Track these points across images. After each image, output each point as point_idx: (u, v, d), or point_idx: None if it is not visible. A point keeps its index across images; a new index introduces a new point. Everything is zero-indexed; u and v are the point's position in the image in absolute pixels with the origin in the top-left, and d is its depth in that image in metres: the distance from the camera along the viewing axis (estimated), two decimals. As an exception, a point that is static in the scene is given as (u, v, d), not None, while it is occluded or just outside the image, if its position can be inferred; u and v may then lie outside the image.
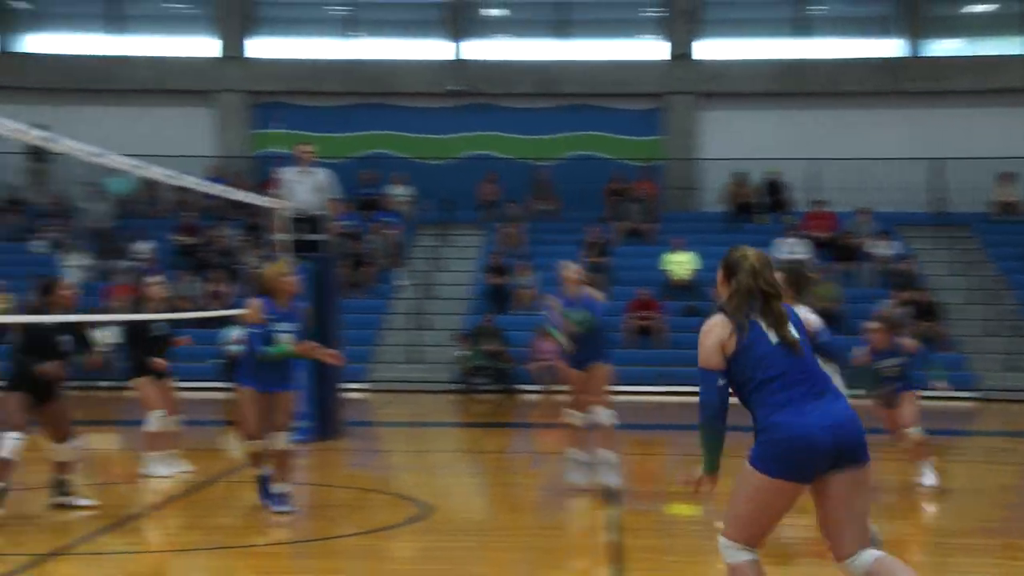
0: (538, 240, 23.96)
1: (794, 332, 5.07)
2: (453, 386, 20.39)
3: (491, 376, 20.30)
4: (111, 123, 24.70)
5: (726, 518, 4.96)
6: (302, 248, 13.45)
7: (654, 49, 26.55)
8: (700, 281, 22.19)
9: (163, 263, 22.30)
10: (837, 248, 22.99)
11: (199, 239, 23.02)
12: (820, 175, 24.87)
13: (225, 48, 26.25)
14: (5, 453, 8.79)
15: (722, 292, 5.30)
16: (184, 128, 25.75)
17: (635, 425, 16.49)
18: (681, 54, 26.08)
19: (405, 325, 21.54)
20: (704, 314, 21.00)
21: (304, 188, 13.65)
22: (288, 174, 13.76)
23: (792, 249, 22.48)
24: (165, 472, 10.69)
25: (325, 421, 13.24)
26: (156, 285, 10.96)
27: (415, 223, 24.82)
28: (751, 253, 5.34)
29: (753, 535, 4.95)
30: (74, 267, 22.19)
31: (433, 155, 25.90)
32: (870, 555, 4.93)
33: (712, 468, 5.07)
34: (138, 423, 11.15)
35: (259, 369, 8.95)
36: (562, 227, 24.62)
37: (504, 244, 23.47)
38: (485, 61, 26.41)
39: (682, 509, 9.93)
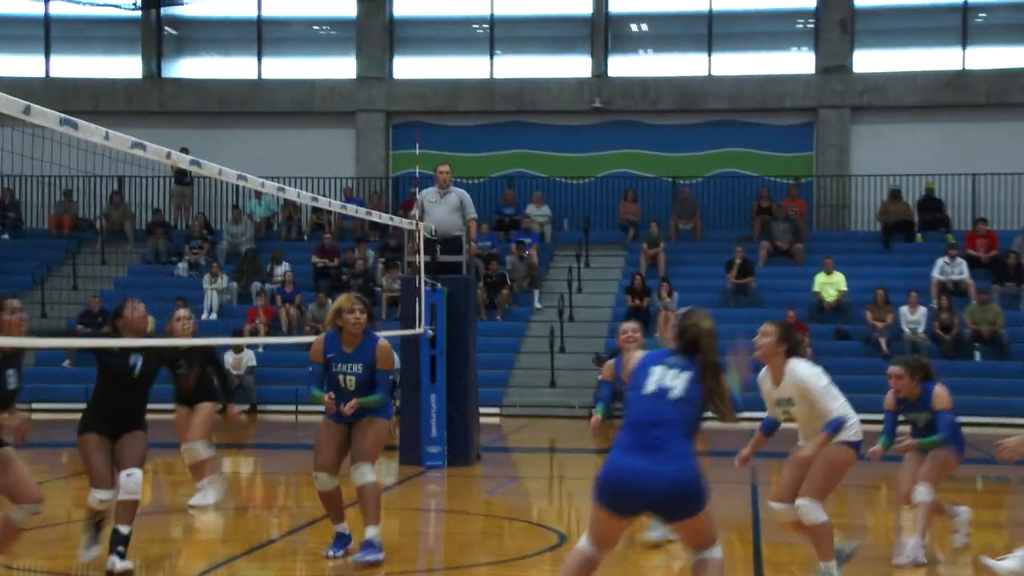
0: (681, 260, 23.78)
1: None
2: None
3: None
4: (254, 146, 25.39)
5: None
6: (439, 269, 13.58)
7: (804, 62, 26.16)
8: (851, 304, 21.73)
9: (300, 285, 22.80)
10: (998, 269, 22.26)
11: (337, 261, 23.46)
12: (981, 192, 24.15)
13: (366, 69, 26.75)
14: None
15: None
16: (325, 149, 26.31)
17: (774, 453, 16.21)
18: (833, 66, 25.62)
19: (542, 348, 21.56)
20: (854, 338, 20.63)
21: (442, 208, 13.79)
22: (426, 194, 13.92)
23: (949, 270, 21.89)
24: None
25: (460, 446, 13.32)
26: (183, 319, 10.44)
27: (554, 243, 24.88)
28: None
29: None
30: (215, 290, 22.84)
31: (573, 174, 25.93)
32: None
33: None
34: (274, 447, 11.37)
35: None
36: (706, 247, 24.41)
37: (645, 264, 23.35)
38: (627, 77, 26.37)
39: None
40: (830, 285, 21.95)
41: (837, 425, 7.38)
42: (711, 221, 25.02)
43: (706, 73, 26.21)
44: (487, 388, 17.50)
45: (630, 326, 9.34)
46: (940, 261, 22.00)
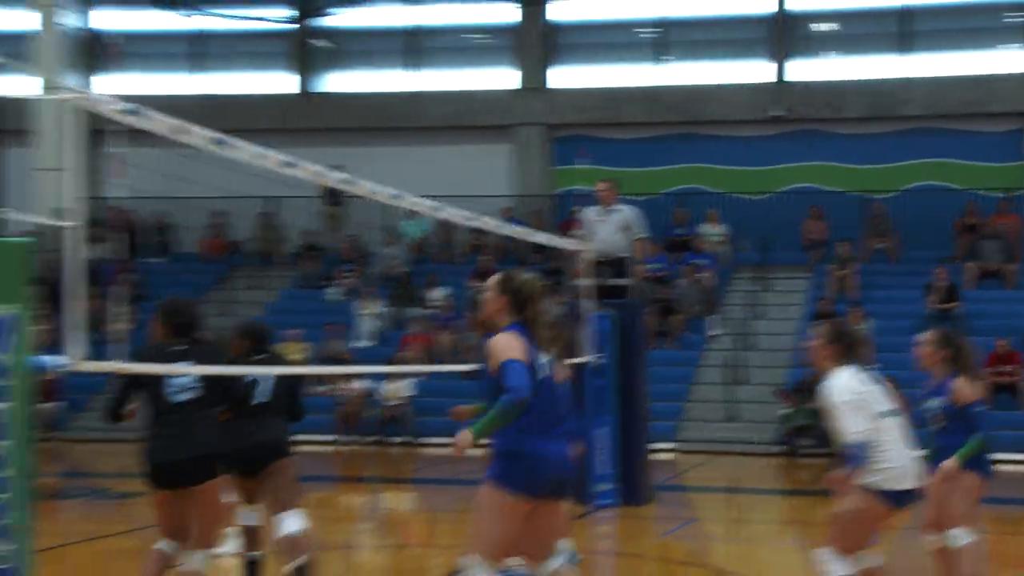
0: (873, 283, 23.33)
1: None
2: (774, 448, 20.08)
3: (818, 437, 19.84)
4: (406, 162, 25.85)
5: None
6: (606, 294, 13.62)
7: (1014, 60, 25.45)
8: (1071, 330, 21.02)
9: (458, 310, 23.10)
10: None
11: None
12: None
13: (524, 80, 27.03)
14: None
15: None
16: (482, 165, 26.64)
17: (995, 499, 15.73)
18: (1048, 65, 24.91)
19: (719, 379, 21.39)
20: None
21: (608, 228, 13.84)
22: (590, 213, 13.99)
23: None
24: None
25: (631, 484, 13.30)
26: None
27: (731, 265, 24.68)
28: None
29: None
30: (368, 315, 23.31)
31: (751, 189, 25.70)
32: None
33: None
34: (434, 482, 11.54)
35: None
36: (901, 268, 23.89)
37: (833, 288, 22.97)
38: (810, 82, 26.06)
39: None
40: (1045, 310, 21.29)
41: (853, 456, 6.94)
42: (908, 240, 24.47)
43: (901, 76, 25.72)
44: (659, 421, 17.43)
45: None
46: None
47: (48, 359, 5.81)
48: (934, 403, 7.92)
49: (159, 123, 6.46)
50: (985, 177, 24.96)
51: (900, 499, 7.08)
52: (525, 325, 6.31)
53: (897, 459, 7.06)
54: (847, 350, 7.29)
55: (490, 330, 6.39)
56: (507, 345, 6.17)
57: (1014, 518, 14.26)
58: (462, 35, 28.26)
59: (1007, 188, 24.64)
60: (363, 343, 22.72)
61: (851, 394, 7.07)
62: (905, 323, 22.39)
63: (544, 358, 6.32)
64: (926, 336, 7.56)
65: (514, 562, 7.26)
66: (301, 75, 27.96)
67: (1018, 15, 25.64)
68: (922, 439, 7.79)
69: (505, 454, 6.26)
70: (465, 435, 6.08)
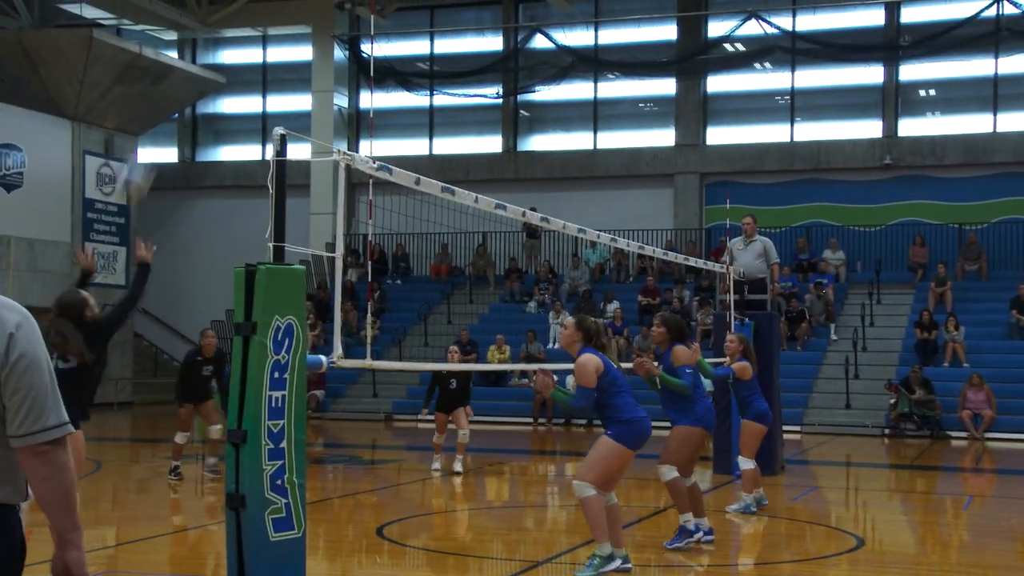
0: (966, 298, 22.30)
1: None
2: (883, 431, 19.34)
3: (919, 422, 19.07)
4: (589, 204, 25.86)
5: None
6: (747, 306, 13.36)
7: (1085, 117, 24.06)
8: None
9: (628, 320, 22.96)
10: None
11: (658, 299, 23.48)
12: None
13: (683, 137, 26.75)
14: None
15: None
16: (648, 206, 26.44)
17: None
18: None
19: (838, 375, 20.73)
20: None
21: (748, 254, 13.57)
22: (735, 243, 13.74)
23: None
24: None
25: (767, 458, 12.94)
26: (209, 337, 12.34)
27: (848, 284, 23.92)
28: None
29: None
30: (558, 323, 23.35)
31: (865, 223, 24.87)
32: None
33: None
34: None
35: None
36: (991, 286, 22.78)
37: (933, 302, 22.03)
38: (915, 136, 25.09)
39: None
40: (1115, 320, 19.96)
41: None
42: (996, 262, 23.32)
43: (991, 130, 24.54)
44: (789, 409, 17.01)
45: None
46: None
47: (317, 357, 6.00)
48: None
49: (401, 176, 6.64)
50: (1061, 211, 23.60)
51: None
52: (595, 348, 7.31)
53: None
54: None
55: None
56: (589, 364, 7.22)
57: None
58: (634, 104, 28.14)
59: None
60: (554, 346, 22.79)
61: None
62: (993, 330, 21.41)
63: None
64: None
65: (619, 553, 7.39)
66: (509, 137, 28.25)
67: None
68: None
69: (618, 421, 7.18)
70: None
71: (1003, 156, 24.20)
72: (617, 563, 7.28)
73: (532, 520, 10.56)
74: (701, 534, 8.49)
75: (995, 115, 24.59)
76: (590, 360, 7.15)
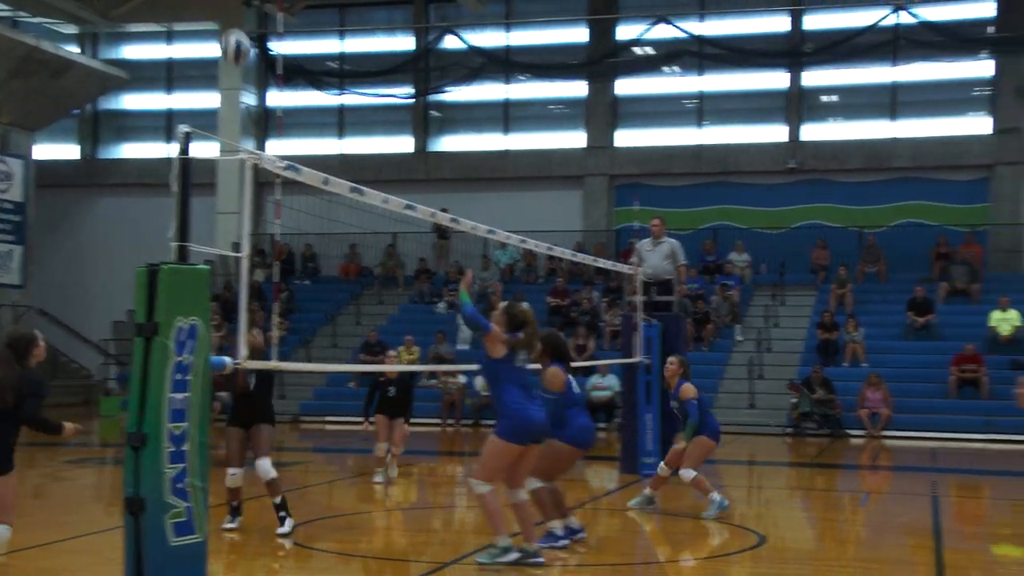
0: (866, 300, 22.96)
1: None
2: (785, 430, 19.82)
3: (820, 421, 19.59)
4: (500, 206, 25.94)
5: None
6: (654, 307, 13.56)
7: (981, 124, 24.96)
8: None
9: (538, 322, 23.06)
10: None
11: (567, 301, 23.69)
12: None
13: (593, 139, 27.02)
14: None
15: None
16: (558, 208, 26.63)
17: (959, 469, 15.42)
18: (1009, 128, 24.35)
19: (742, 375, 21.17)
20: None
21: (656, 256, 13.77)
22: (643, 244, 13.94)
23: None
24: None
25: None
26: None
27: (752, 285, 24.43)
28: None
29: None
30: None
31: (769, 225, 25.44)
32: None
33: None
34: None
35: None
36: (888, 287, 23.50)
37: (834, 303, 22.64)
38: (819, 141, 25.76)
39: (1007, 550, 9.16)
40: (1005, 321, 20.78)
41: None
42: (894, 265, 24.06)
43: (890, 136, 25.33)
44: (695, 409, 17.26)
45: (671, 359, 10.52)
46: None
47: (221, 358, 5.94)
48: None
49: (310, 176, 6.62)
50: (955, 216, 24.44)
51: None
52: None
53: None
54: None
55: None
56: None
57: (976, 485, 13.96)
58: (544, 106, 28.33)
59: (972, 224, 24.15)
60: (462, 347, 22.83)
61: None
62: (891, 331, 22.09)
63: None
64: None
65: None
66: (419, 138, 28.21)
67: (983, 89, 25.14)
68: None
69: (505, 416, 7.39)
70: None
71: (902, 161, 24.98)
72: (514, 555, 7.42)
73: (440, 521, 10.59)
74: (572, 536, 8.47)
75: (894, 121, 25.37)
76: (501, 335, 7.40)
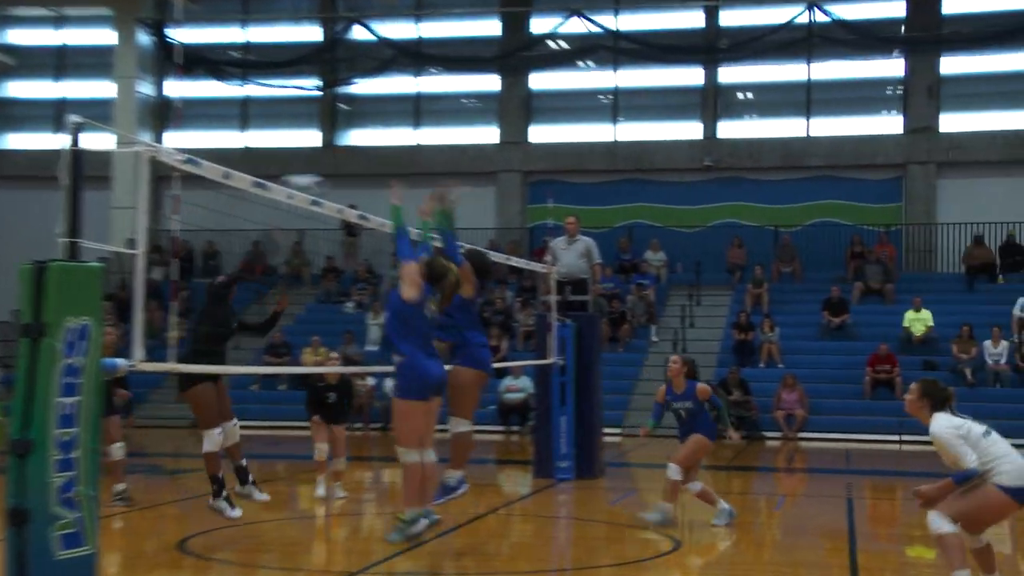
0: (781, 299, 23.42)
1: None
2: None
3: (736, 423, 19.89)
4: (411, 202, 25.77)
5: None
6: (568, 307, 13.63)
7: (894, 124, 25.66)
8: (937, 338, 21.13)
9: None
10: (1076, 307, 21.36)
11: (480, 299, 23.65)
12: (1057, 237, 23.29)
13: (507, 135, 27.08)
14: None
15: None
16: (471, 205, 26.58)
17: (874, 471, 15.80)
18: (921, 127, 25.07)
19: (658, 376, 21.33)
20: (941, 369, 20.02)
21: (571, 254, 13.84)
22: (557, 243, 13.99)
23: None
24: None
25: (586, 461, 13.30)
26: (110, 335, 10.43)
27: (668, 285, 24.74)
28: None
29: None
30: (376, 325, 23.26)
31: (685, 224, 25.80)
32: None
33: None
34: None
35: None
36: (804, 287, 23.99)
37: (750, 303, 23.04)
38: (734, 139, 26.19)
39: (920, 552, 9.41)
40: (918, 321, 21.38)
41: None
42: (809, 264, 24.59)
43: (805, 134, 25.87)
44: (610, 411, 17.43)
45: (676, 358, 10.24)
46: (1021, 299, 21.23)
47: (113, 360, 5.80)
48: None
49: (210, 170, 6.50)
50: (870, 215, 25.09)
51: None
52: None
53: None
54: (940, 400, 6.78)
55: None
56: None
57: (889, 486, 14.32)
58: (456, 100, 28.30)
59: (886, 224, 24.82)
60: (372, 347, 22.69)
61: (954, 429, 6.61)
62: (806, 331, 22.56)
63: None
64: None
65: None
66: (327, 131, 27.94)
67: (897, 88, 25.84)
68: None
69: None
70: None
71: (817, 160, 25.54)
72: (424, 523, 7.48)
73: (348, 529, 10.48)
74: (462, 488, 8.49)
75: (808, 120, 25.92)
76: (418, 276, 7.42)
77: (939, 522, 6.51)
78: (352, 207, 9.10)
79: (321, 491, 11.44)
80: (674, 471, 9.90)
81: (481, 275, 8.46)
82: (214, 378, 9.04)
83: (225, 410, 9.18)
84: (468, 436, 8.37)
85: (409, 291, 7.34)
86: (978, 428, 6.69)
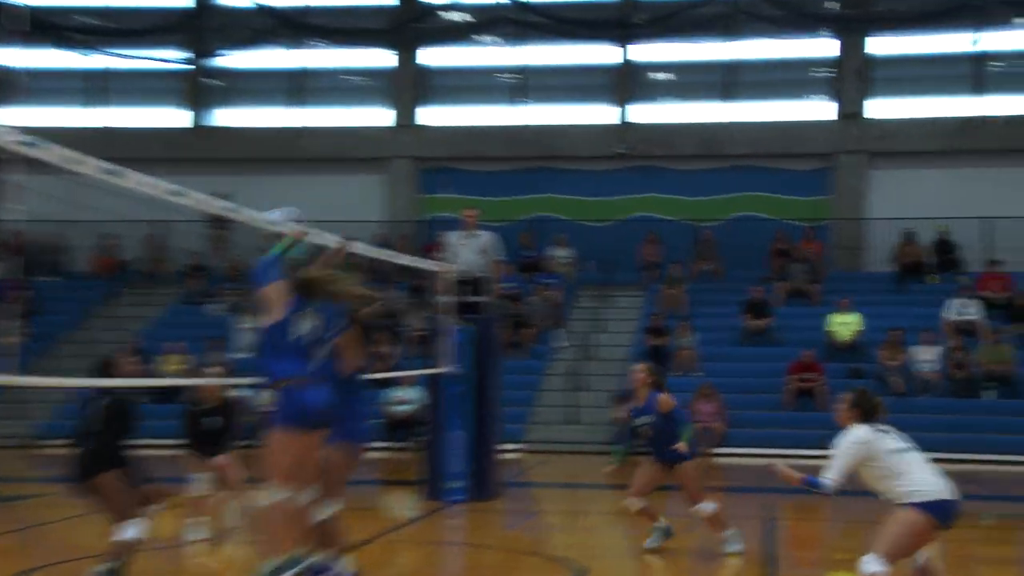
0: (699, 301, 23.77)
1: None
2: (609, 448, 20.31)
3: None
4: (289, 190, 25.54)
5: None
6: (465, 309, 13.65)
7: (822, 109, 26.26)
8: (865, 343, 21.70)
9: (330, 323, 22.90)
10: (1011, 310, 22.15)
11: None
12: (994, 234, 24.09)
13: (397, 117, 27.02)
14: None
15: None
16: (359, 194, 26.50)
17: (794, 490, 16.15)
18: (851, 113, 25.72)
19: (563, 386, 21.59)
20: (868, 377, 20.48)
21: (468, 251, 13.87)
22: (453, 237, 14.02)
23: (962, 310, 21.82)
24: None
25: (481, 481, 13.35)
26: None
27: (576, 284, 24.94)
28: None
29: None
30: (248, 329, 22.99)
31: (595, 217, 26.03)
32: None
33: None
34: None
35: None
36: (724, 287, 24.37)
37: (665, 305, 23.37)
38: (649, 124, 26.52)
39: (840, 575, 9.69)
40: (845, 325, 21.91)
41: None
42: (730, 262, 25.00)
43: (726, 120, 26.33)
44: (510, 424, 17.50)
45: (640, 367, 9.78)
46: (953, 302, 21.93)
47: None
48: None
49: (55, 153, 6.38)
50: (795, 209, 25.62)
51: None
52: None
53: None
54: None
55: None
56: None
57: (812, 506, 14.67)
58: (342, 77, 28.14)
59: (812, 219, 25.37)
60: (242, 355, 22.41)
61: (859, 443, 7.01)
62: (725, 335, 22.95)
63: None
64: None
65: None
66: (193, 110, 27.54)
67: (826, 71, 26.43)
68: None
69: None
70: None
71: (739, 148, 26.00)
72: (296, 569, 7.26)
73: (212, 559, 10.37)
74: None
75: (730, 104, 26.38)
76: (282, 290, 7.27)
77: (871, 565, 6.80)
78: (223, 196, 9.01)
79: (198, 533, 10.67)
80: (633, 503, 10.00)
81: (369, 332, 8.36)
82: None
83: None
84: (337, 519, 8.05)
85: (272, 315, 7.21)
86: (891, 443, 6.98)
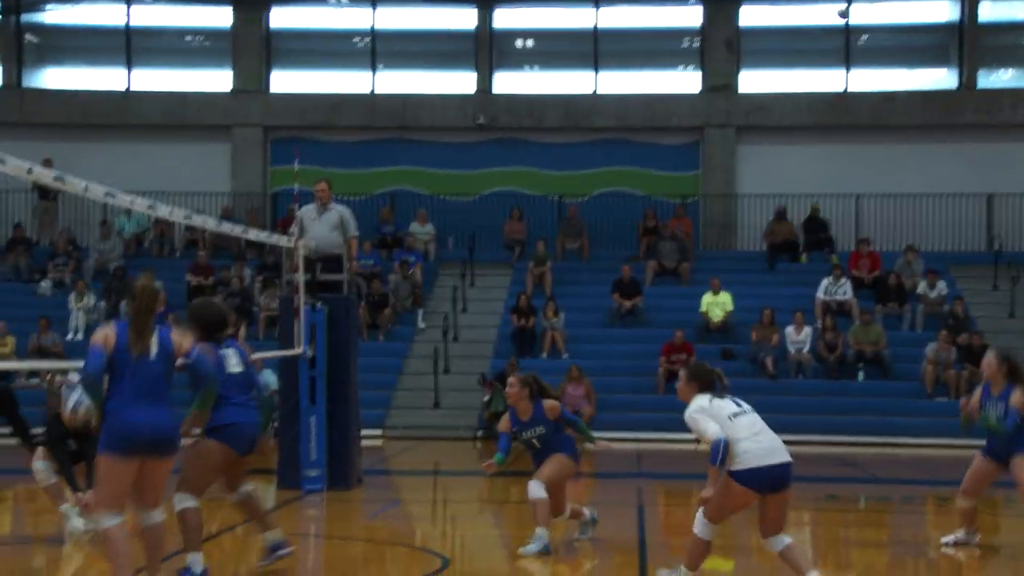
0: (567, 280, 24.05)
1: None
2: (476, 433, 20.45)
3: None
4: (124, 160, 25.05)
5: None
6: (319, 288, 13.56)
7: (690, 81, 26.73)
8: (737, 323, 22.25)
9: (174, 304, 22.51)
10: (882, 289, 22.96)
11: (212, 279, 23.22)
12: (864, 212, 24.90)
13: (242, 82, 26.60)
14: None
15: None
16: (200, 165, 26.04)
17: (665, 474, 16.52)
18: (720, 86, 26.24)
19: (426, 369, 21.61)
20: (740, 358, 21.04)
21: (322, 226, 13.77)
22: (306, 212, 13.89)
23: (833, 290, 22.52)
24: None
25: (340, 469, 13.30)
26: None
27: (437, 262, 24.97)
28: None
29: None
30: (81, 309, 22.45)
31: (457, 191, 26.08)
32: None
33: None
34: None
35: None
36: (592, 266, 24.72)
37: (531, 283, 23.56)
38: (513, 94, 26.64)
39: (714, 563, 9.92)
40: (716, 305, 22.41)
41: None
42: (598, 240, 25.35)
43: (592, 91, 26.61)
44: (369, 410, 17.49)
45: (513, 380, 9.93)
46: (824, 281, 22.62)
47: None
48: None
49: None
50: (664, 185, 26.08)
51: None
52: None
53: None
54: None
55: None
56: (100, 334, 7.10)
57: (683, 491, 15.00)
58: (179, 37, 27.58)
59: (683, 195, 25.87)
60: (75, 337, 21.86)
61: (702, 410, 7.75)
62: (594, 316, 23.27)
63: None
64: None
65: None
66: (11, 70, 26.65)
67: (694, 41, 26.90)
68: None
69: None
70: None
71: (605, 120, 26.33)
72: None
73: (44, 558, 10.12)
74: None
75: (596, 74, 26.67)
76: (105, 334, 7.12)
77: (701, 526, 7.80)
78: (47, 163, 8.75)
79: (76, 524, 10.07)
80: (536, 488, 9.50)
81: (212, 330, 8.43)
82: None
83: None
84: (195, 513, 8.21)
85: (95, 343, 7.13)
86: (729, 408, 7.71)
